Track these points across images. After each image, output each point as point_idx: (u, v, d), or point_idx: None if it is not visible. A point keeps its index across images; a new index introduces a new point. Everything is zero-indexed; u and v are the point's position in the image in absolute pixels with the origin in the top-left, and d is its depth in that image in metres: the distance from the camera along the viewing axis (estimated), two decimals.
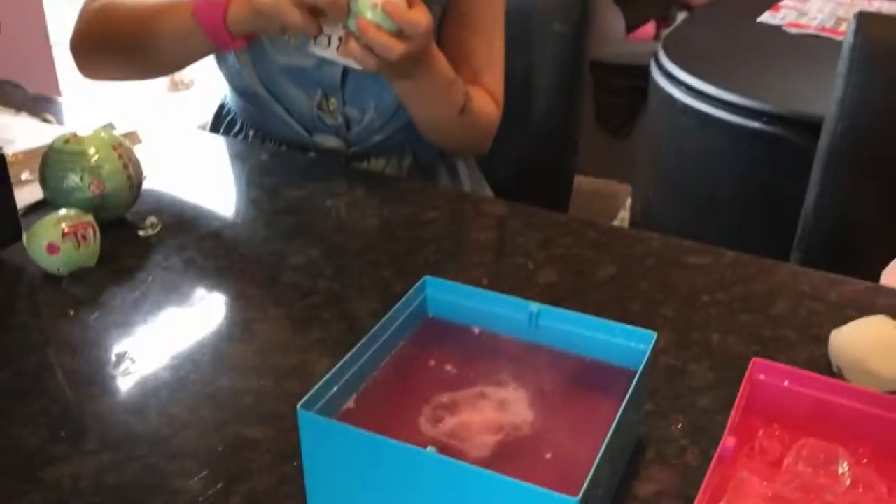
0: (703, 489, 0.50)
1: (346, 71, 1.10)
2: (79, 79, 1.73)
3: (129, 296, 0.82)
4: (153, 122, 1.16)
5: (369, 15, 0.89)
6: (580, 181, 1.87)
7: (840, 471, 0.54)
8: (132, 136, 1.06)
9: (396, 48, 0.90)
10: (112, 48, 1.10)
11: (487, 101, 1.13)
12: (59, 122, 1.16)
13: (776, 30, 2.06)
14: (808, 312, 0.80)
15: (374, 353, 0.63)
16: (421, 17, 0.91)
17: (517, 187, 1.30)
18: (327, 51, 1.03)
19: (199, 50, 1.06)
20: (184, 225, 0.93)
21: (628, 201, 2.74)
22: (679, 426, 0.66)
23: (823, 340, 0.73)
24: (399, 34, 0.90)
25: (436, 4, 1.11)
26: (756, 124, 1.67)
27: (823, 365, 0.72)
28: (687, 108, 1.81)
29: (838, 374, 0.70)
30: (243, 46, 1.03)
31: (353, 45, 0.91)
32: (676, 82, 1.84)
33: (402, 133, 1.16)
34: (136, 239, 0.90)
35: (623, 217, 2.68)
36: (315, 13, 0.91)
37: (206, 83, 1.80)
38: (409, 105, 1.06)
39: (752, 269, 0.88)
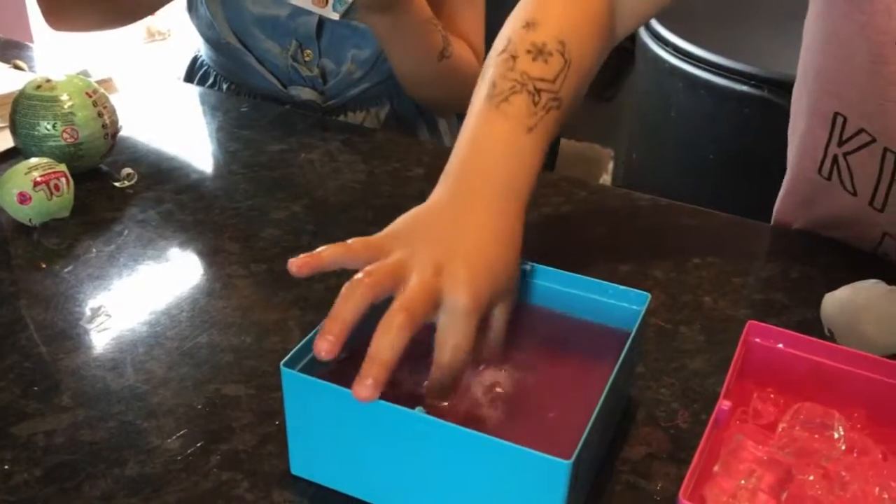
0: (698, 452, 0.49)
1: (321, 21, 1.07)
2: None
3: (105, 249, 0.79)
4: (129, 70, 1.12)
5: None
6: (563, 144, 1.85)
7: (835, 435, 0.53)
8: (107, 84, 1.03)
9: None
10: None
11: (468, 52, 1.10)
12: (31, 69, 1.12)
13: None
14: (800, 276, 0.79)
15: None
16: None
17: None
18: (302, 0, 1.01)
19: None
20: (161, 177, 0.90)
21: (610, 165, 2.72)
22: (670, 388, 0.65)
23: (816, 304, 0.72)
24: None
25: None
26: (744, 87, 1.65)
27: (816, 329, 0.71)
28: (674, 70, 1.78)
29: (830, 338, 0.69)
30: None
31: None
32: (664, 43, 1.82)
33: (380, 86, 1.13)
34: (111, 190, 0.87)
35: (605, 180, 2.66)
36: None
37: (184, 33, 1.75)
38: (387, 47, 1.03)
39: (744, 231, 0.86)
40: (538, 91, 0.64)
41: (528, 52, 0.65)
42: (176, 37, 1.74)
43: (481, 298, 0.55)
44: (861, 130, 0.78)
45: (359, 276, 0.54)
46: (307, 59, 1.10)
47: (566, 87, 0.66)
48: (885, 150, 0.77)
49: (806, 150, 0.86)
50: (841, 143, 0.81)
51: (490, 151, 0.64)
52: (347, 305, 0.52)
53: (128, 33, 1.74)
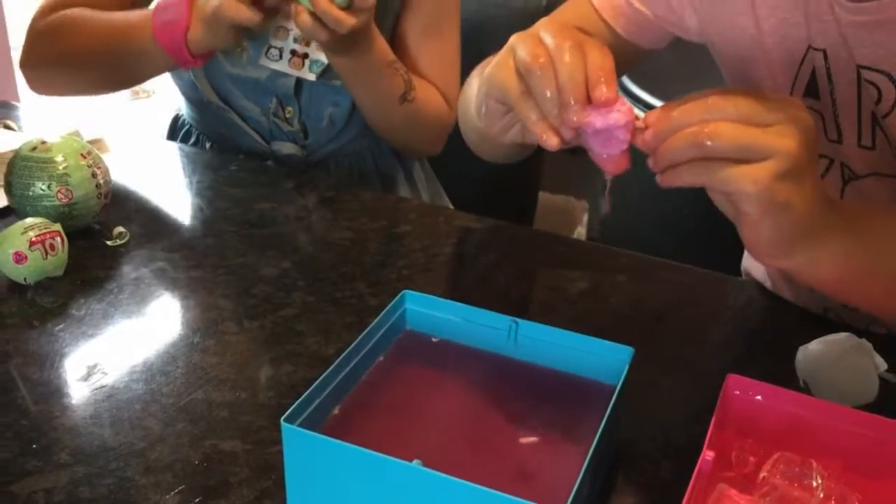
0: (685, 502, 0.51)
1: (299, 81, 1.11)
2: None
3: (98, 306, 0.80)
4: (117, 129, 1.15)
5: None
6: (540, 197, 1.89)
7: (814, 484, 0.55)
8: (99, 144, 1.05)
9: (347, 21, 0.93)
10: (67, 64, 1.10)
11: (436, 97, 1.14)
12: (20, 128, 1.14)
13: None
14: (775, 329, 0.82)
15: (354, 366, 0.63)
16: None
17: (483, 202, 1.31)
18: (279, 63, 1.08)
19: (159, 68, 1.09)
20: (152, 235, 0.92)
21: (585, 217, 2.77)
22: (653, 440, 0.67)
23: (790, 356, 0.75)
24: (347, 8, 0.93)
25: (389, 4, 1.13)
26: None
27: (793, 379, 0.74)
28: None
29: (805, 390, 0.72)
30: (202, 64, 1.05)
31: (304, 17, 0.94)
32: (635, 100, 1.87)
33: (360, 140, 1.17)
34: (104, 248, 0.89)
35: (580, 233, 2.71)
36: (260, 8, 0.96)
37: (167, 91, 1.78)
38: (351, 88, 1.08)
39: (719, 285, 0.90)
40: None
41: None
42: (160, 94, 1.77)
43: None
44: None
45: None
46: (288, 115, 1.13)
47: None
48: None
49: None
50: None
51: None
52: None
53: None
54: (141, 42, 1.03)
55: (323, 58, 1.07)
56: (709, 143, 0.56)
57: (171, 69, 1.11)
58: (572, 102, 0.59)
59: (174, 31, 1.00)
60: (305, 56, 1.07)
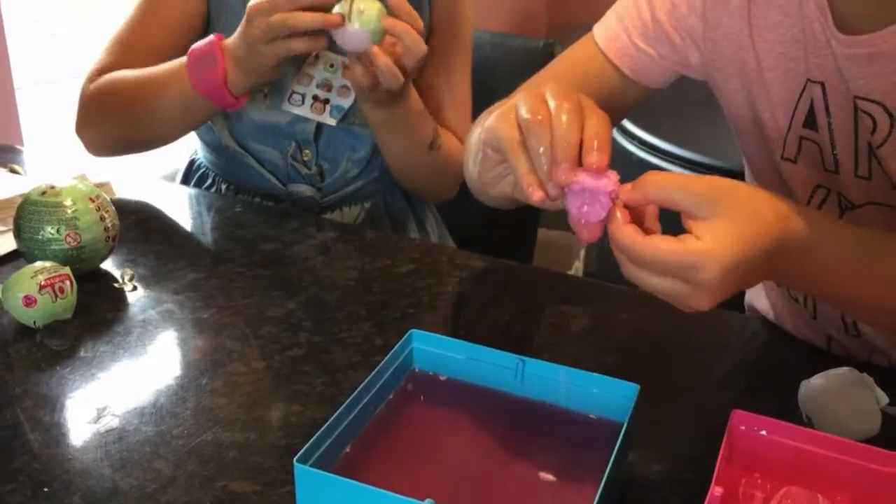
0: None
1: (319, 126, 1.12)
2: (42, 127, 1.72)
3: (107, 349, 0.81)
4: (122, 172, 1.16)
5: (373, 29, 0.94)
6: (539, 234, 1.90)
7: None
8: (106, 188, 1.06)
9: (400, 76, 0.95)
10: (119, 123, 1.12)
11: (455, 142, 1.16)
12: (25, 172, 1.15)
13: None
14: (777, 364, 0.83)
15: (364, 405, 0.63)
16: (423, 44, 0.96)
17: (484, 239, 1.33)
18: (301, 108, 1.08)
19: (203, 115, 1.09)
20: (160, 277, 0.93)
21: (582, 252, 2.78)
22: (661, 475, 0.67)
23: (793, 390, 0.76)
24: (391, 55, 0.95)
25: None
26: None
27: (796, 413, 0.74)
28: (642, 163, 1.86)
29: (808, 424, 0.73)
30: (246, 102, 1.06)
31: (358, 69, 0.96)
32: (631, 137, 1.90)
33: (374, 183, 1.19)
34: (112, 291, 0.90)
35: (577, 267, 2.72)
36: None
37: None
38: (382, 138, 1.09)
39: (722, 321, 0.91)
40: None
41: None
42: None
43: None
44: None
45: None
46: (306, 158, 1.15)
47: None
48: None
49: None
50: None
51: None
52: None
53: None
54: (182, 91, 1.03)
55: (344, 103, 1.09)
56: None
57: (215, 114, 1.10)
58: (563, 161, 0.61)
59: (213, 79, 1.00)
60: (327, 101, 1.09)
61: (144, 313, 0.87)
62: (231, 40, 1.00)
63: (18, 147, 1.34)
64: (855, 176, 0.79)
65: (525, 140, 0.63)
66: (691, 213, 0.59)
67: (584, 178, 0.61)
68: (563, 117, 0.61)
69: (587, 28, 0.94)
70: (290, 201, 1.17)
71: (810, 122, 0.80)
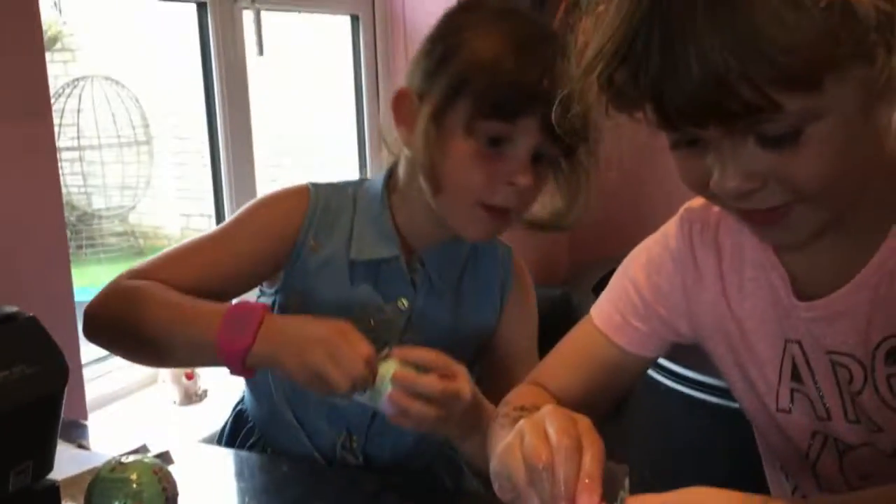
0: None
1: (374, 413, 1.16)
2: (101, 401, 1.82)
3: None
4: (179, 439, 1.25)
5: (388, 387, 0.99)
6: None
7: None
8: (166, 457, 1.15)
9: (431, 413, 0.98)
10: (127, 327, 1.09)
11: None
12: (87, 446, 1.24)
13: None
14: None
15: None
16: (459, 387, 0.99)
17: None
18: (364, 396, 1.06)
19: (207, 362, 1.13)
20: None
21: (626, 481, 2.76)
22: None
23: None
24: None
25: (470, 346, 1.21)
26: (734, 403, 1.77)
27: None
28: (671, 392, 1.91)
29: None
30: (252, 377, 1.10)
31: (418, 407, 0.99)
32: (659, 367, 1.97)
33: (418, 459, 1.23)
34: None
35: (623, 497, 2.69)
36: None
37: (219, 394, 1.91)
38: (459, 446, 1.13)
39: None
40: None
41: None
42: (212, 397, 1.90)
43: None
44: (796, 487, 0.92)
45: None
46: (354, 445, 1.19)
47: None
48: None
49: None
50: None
51: None
52: None
53: (166, 396, 1.90)
54: (201, 333, 1.04)
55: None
56: None
57: (217, 366, 1.09)
58: (565, 499, 0.70)
59: (236, 343, 1.01)
60: None
61: None
62: (284, 322, 1.04)
63: (83, 422, 1.44)
64: (846, 421, 0.85)
65: (532, 478, 0.72)
66: None
67: None
68: (563, 459, 0.70)
69: (605, 263, 1.03)
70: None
71: (796, 376, 0.87)
